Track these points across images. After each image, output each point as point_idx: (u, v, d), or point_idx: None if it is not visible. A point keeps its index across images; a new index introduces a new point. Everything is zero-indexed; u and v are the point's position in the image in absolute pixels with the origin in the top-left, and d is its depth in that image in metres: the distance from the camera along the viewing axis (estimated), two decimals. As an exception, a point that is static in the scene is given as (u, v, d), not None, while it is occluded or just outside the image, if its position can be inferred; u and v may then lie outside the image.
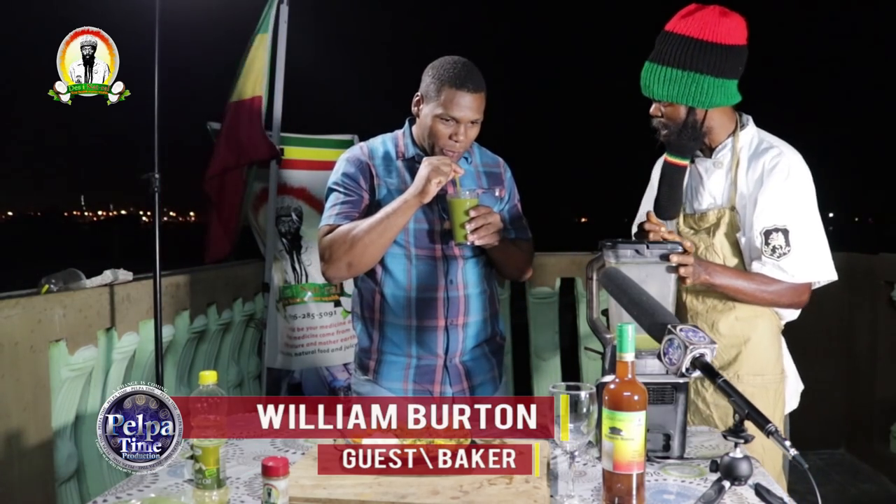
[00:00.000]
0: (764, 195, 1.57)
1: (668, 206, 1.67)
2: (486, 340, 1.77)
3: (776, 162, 1.57)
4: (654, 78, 1.58)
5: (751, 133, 1.65)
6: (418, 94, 1.67)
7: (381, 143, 1.75)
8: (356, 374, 1.81)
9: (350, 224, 1.63)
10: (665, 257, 1.42)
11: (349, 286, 3.41)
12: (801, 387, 1.73)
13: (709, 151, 1.67)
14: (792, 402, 1.72)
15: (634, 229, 1.86)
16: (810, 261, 1.57)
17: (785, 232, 1.55)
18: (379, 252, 1.63)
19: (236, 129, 3.15)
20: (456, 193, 1.58)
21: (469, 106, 1.60)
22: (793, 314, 1.67)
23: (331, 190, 1.72)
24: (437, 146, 1.64)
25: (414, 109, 1.70)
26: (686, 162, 1.64)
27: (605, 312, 1.51)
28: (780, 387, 1.65)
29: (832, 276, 1.60)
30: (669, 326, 1.12)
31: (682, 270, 1.43)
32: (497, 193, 1.75)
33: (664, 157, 1.67)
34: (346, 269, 1.64)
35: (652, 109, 1.63)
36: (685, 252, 1.43)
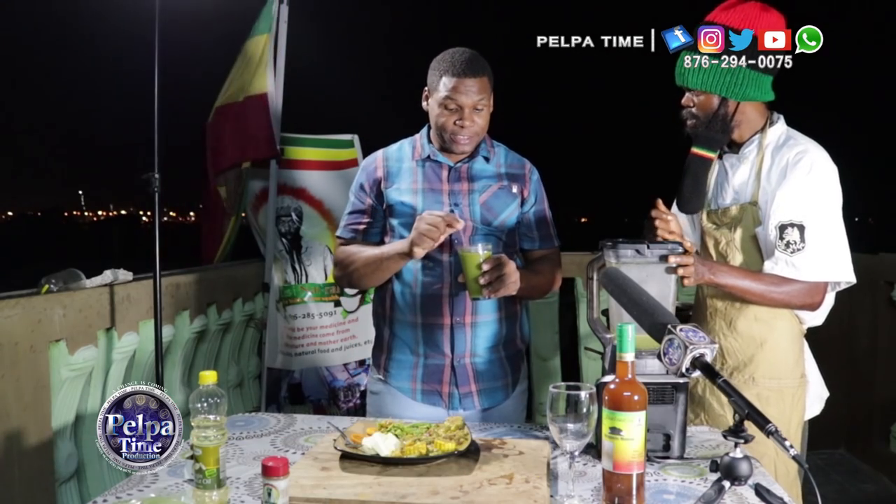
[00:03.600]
0: (783, 189, 1.55)
1: (692, 198, 1.66)
2: (502, 343, 1.73)
3: (800, 157, 1.55)
4: (692, 66, 1.59)
5: (779, 130, 1.64)
6: (426, 88, 1.69)
7: (399, 146, 1.78)
8: (371, 371, 1.83)
9: (354, 249, 1.72)
10: (665, 258, 1.41)
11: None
12: (825, 393, 1.70)
13: (736, 147, 1.67)
14: (814, 408, 1.69)
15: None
16: (824, 259, 1.53)
17: (801, 228, 1.52)
18: (373, 283, 1.72)
19: (244, 126, 3.15)
20: (469, 247, 1.54)
21: (470, 90, 1.60)
22: (816, 318, 1.64)
23: (350, 197, 1.80)
24: (446, 135, 1.66)
25: (423, 105, 1.71)
26: (713, 155, 1.64)
27: (605, 312, 1.51)
28: (798, 392, 1.63)
29: (849, 277, 1.56)
30: (669, 326, 1.12)
31: (681, 271, 1.42)
32: (514, 190, 1.73)
33: (691, 149, 1.65)
34: (348, 286, 1.80)
35: (684, 99, 1.64)
36: (685, 252, 1.43)
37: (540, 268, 1.76)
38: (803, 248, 1.52)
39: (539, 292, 1.77)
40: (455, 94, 1.60)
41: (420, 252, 1.53)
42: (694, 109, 1.62)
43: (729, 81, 1.57)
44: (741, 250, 1.63)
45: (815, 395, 1.69)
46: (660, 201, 1.54)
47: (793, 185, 1.54)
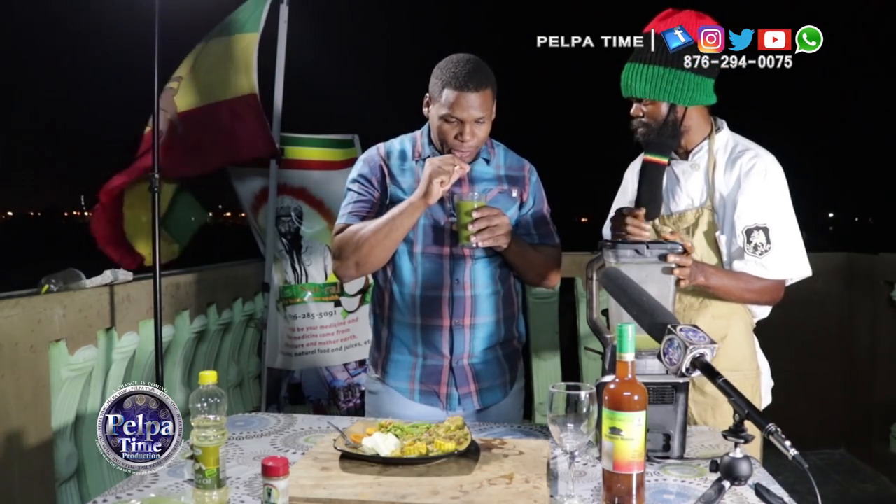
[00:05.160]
0: (743, 196, 1.62)
1: (650, 205, 1.70)
2: (500, 343, 1.73)
3: (753, 163, 1.63)
4: (636, 77, 1.63)
5: (726, 136, 1.70)
6: (427, 94, 1.67)
7: (400, 143, 1.76)
8: (369, 371, 1.82)
9: (359, 224, 1.66)
10: (664, 257, 1.42)
11: (350, 287, 3.41)
12: (771, 383, 1.77)
13: (685, 154, 1.72)
14: (766, 399, 1.75)
15: (606, 232, 1.88)
16: (789, 257, 1.62)
17: (765, 230, 1.60)
18: (385, 253, 1.65)
19: (236, 125, 3.12)
20: (464, 195, 1.58)
21: (472, 105, 1.58)
22: (765, 312, 1.73)
23: (347, 190, 1.75)
24: (446, 146, 1.65)
25: (424, 110, 1.70)
26: (666, 160, 1.68)
27: (605, 312, 1.51)
28: (756, 382, 1.70)
29: (807, 272, 1.65)
30: (669, 326, 1.12)
31: (678, 272, 1.43)
32: (514, 195, 1.73)
33: (643, 156, 1.70)
34: (355, 269, 1.67)
35: (633, 110, 1.68)
36: (685, 252, 1.44)
37: (541, 250, 1.75)
38: (770, 248, 1.60)
39: (533, 271, 1.74)
40: (456, 109, 1.58)
41: (437, 190, 1.53)
42: (644, 119, 1.66)
43: (676, 87, 1.61)
44: (699, 254, 1.67)
45: (766, 387, 1.75)
46: (641, 214, 1.62)
47: (752, 190, 1.61)
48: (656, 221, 1.75)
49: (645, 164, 1.69)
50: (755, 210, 1.61)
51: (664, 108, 1.64)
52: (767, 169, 1.62)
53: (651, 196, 1.68)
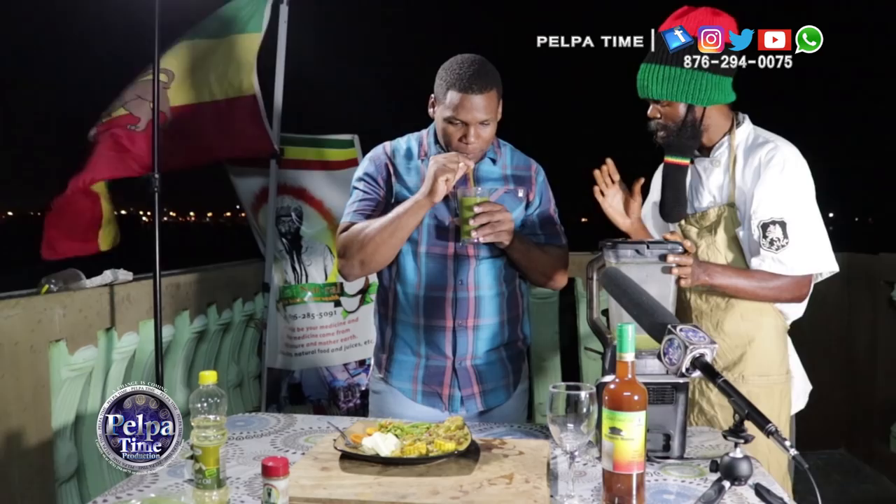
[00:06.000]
0: (760, 189, 1.58)
1: (674, 207, 1.68)
2: (504, 345, 1.72)
3: (772, 155, 1.59)
4: (652, 78, 1.60)
5: (747, 130, 1.67)
6: (432, 95, 1.66)
7: (406, 142, 1.75)
8: (372, 371, 1.81)
9: (364, 222, 1.65)
10: (664, 257, 1.41)
11: (350, 287, 3.41)
12: (808, 387, 1.73)
13: (706, 151, 1.69)
14: (799, 403, 1.72)
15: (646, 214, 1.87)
16: (809, 253, 1.57)
17: (782, 224, 1.56)
18: (390, 251, 1.64)
19: (234, 124, 3.11)
20: (467, 191, 1.57)
21: (475, 108, 1.57)
22: (797, 312, 1.67)
23: (353, 188, 1.74)
24: (451, 147, 1.64)
25: (430, 111, 1.69)
26: (687, 161, 1.66)
27: (605, 312, 1.51)
28: (785, 387, 1.65)
29: (833, 266, 1.61)
30: (669, 326, 1.12)
31: (677, 271, 1.42)
32: (520, 195, 1.72)
33: (665, 159, 1.68)
34: (360, 268, 1.66)
35: (650, 111, 1.65)
36: (685, 252, 1.43)
37: (547, 249, 1.73)
38: (787, 243, 1.56)
39: (538, 271, 1.72)
40: (460, 111, 1.57)
41: (441, 188, 1.52)
42: (661, 120, 1.64)
43: (692, 88, 1.58)
44: (723, 252, 1.66)
45: (800, 390, 1.72)
46: (609, 161, 1.69)
47: (769, 183, 1.57)
48: (681, 221, 1.73)
49: (667, 166, 1.67)
50: (772, 203, 1.56)
51: (682, 108, 1.60)
52: (786, 161, 1.57)
53: (675, 198, 1.67)
